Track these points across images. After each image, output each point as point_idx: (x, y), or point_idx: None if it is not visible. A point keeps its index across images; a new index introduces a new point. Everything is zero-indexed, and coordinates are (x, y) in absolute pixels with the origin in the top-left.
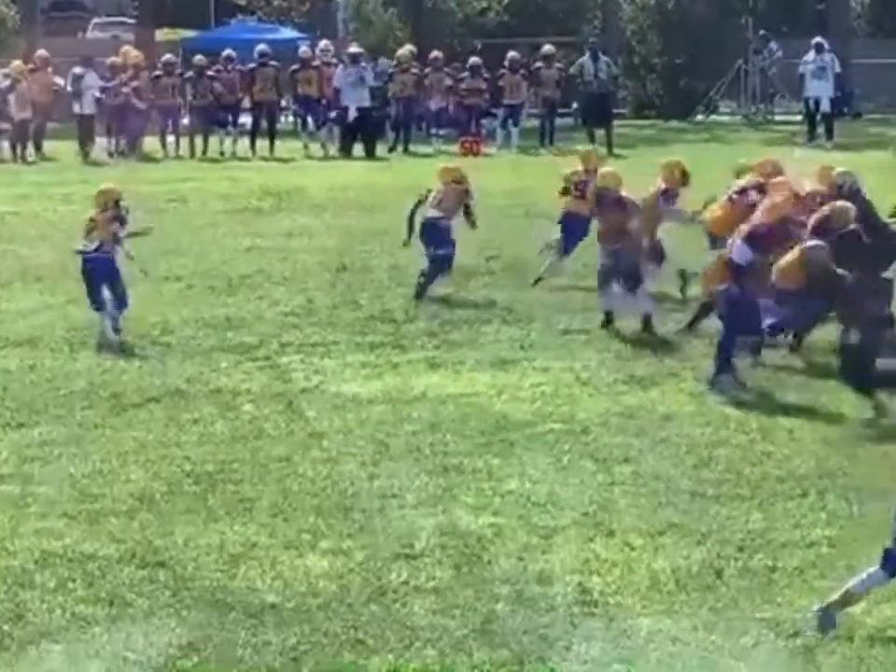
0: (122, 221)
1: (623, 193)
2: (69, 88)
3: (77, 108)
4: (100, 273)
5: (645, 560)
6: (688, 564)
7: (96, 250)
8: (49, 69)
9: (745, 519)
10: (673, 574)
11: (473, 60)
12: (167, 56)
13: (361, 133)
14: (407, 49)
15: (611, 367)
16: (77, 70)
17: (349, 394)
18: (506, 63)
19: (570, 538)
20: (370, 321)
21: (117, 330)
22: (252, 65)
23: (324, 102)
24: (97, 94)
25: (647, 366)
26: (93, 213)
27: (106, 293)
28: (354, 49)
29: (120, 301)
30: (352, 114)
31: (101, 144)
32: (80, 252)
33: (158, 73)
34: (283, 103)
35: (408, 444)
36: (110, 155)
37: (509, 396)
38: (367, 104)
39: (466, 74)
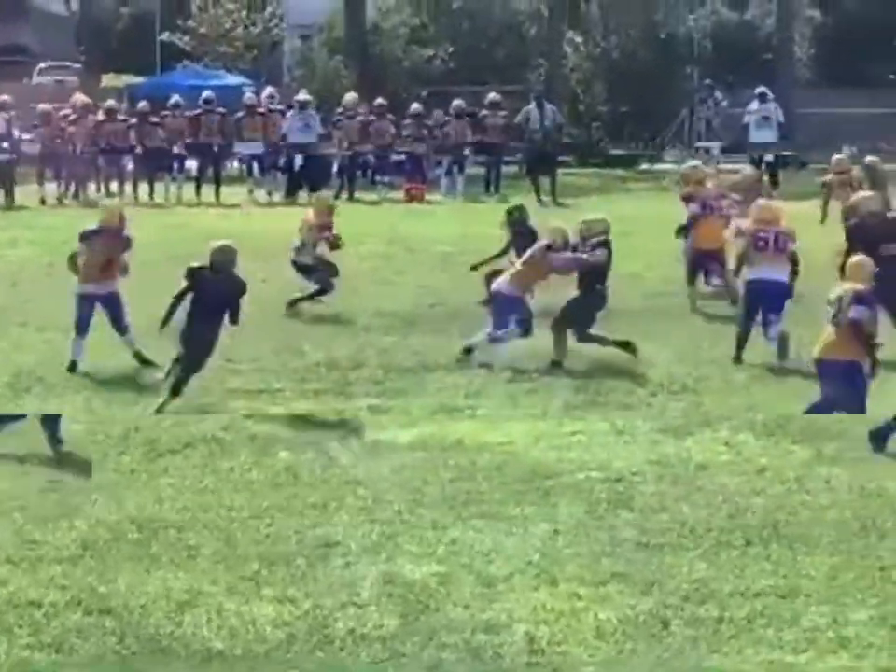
0: (329, 228)
1: None
2: None
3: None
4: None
5: (592, 609)
6: (634, 613)
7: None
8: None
9: (688, 568)
10: (620, 623)
11: (414, 107)
12: (110, 102)
13: (307, 179)
14: (350, 95)
15: (555, 415)
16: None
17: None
18: (451, 111)
19: (515, 586)
20: (314, 368)
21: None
22: (198, 111)
23: (269, 148)
24: (25, 137)
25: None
26: (309, 216)
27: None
28: (302, 95)
29: (322, 289)
30: (298, 161)
31: (32, 190)
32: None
33: (101, 119)
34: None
35: (352, 493)
36: (59, 200)
37: (453, 441)
38: (314, 150)
39: (409, 121)
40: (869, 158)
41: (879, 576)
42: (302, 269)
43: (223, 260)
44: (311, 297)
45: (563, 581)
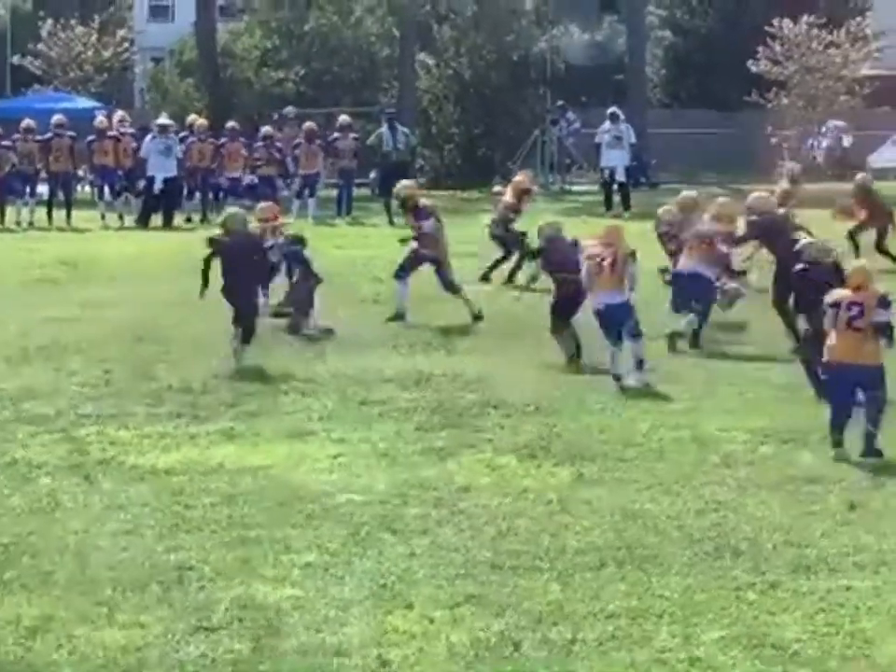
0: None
1: None
2: None
3: None
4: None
5: (444, 631)
6: (487, 635)
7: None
8: None
9: (543, 590)
10: (472, 646)
11: (265, 130)
12: None
13: (164, 203)
14: (200, 120)
15: (409, 438)
16: None
17: (147, 465)
18: (302, 134)
19: (369, 610)
20: (167, 392)
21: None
22: (48, 135)
23: (120, 172)
24: None
25: (445, 437)
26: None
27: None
28: (163, 119)
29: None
30: (158, 184)
31: None
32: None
33: None
34: (80, 173)
35: (205, 516)
36: None
37: (307, 467)
38: (173, 174)
39: (259, 144)
40: (861, 175)
41: (733, 596)
42: (497, 240)
43: (234, 223)
44: (517, 265)
45: (417, 604)
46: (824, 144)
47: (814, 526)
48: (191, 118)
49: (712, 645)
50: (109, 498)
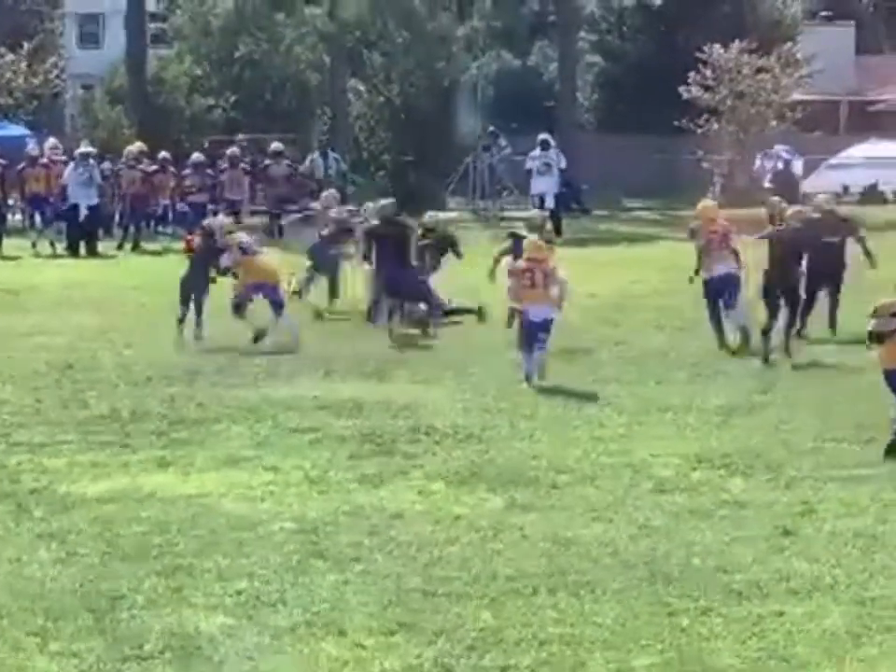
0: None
1: None
2: None
3: None
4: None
5: (377, 659)
6: (420, 662)
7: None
8: None
9: (473, 618)
10: None
11: (195, 157)
12: None
13: (89, 230)
14: (137, 146)
15: (341, 465)
16: None
17: (78, 494)
18: (226, 159)
19: (301, 637)
20: (98, 420)
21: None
22: None
23: (52, 199)
24: None
25: (377, 465)
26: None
27: None
28: (84, 147)
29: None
30: (83, 212)
31: None
32: None
33: None
34: (10, 201)
35: (137, 544)
36: None
37: (238, 495)
38: (95, 201)
39: (189, 171)
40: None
41: (667, 622)
42: None
43: (386, 211)
44: None
45: (350, 632)
46: (778, 165)
47: (746, 552)
48: (136, 146)
49: (643, 671)
50: (41, 527)
